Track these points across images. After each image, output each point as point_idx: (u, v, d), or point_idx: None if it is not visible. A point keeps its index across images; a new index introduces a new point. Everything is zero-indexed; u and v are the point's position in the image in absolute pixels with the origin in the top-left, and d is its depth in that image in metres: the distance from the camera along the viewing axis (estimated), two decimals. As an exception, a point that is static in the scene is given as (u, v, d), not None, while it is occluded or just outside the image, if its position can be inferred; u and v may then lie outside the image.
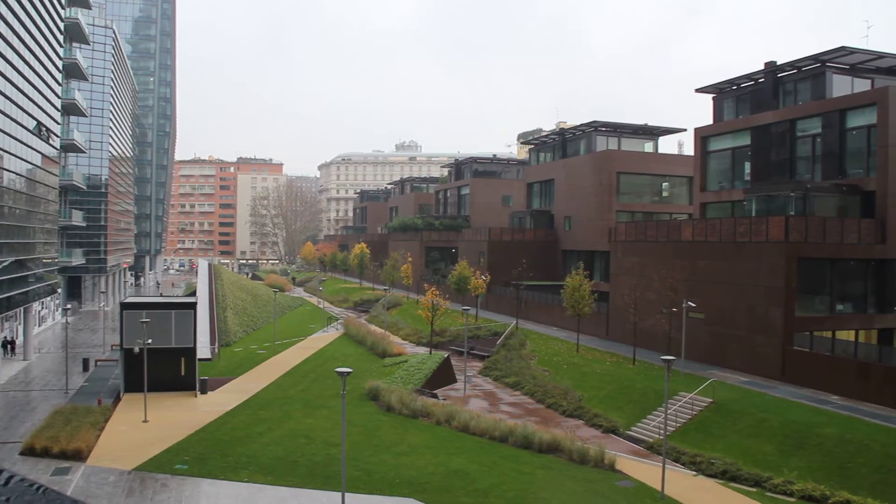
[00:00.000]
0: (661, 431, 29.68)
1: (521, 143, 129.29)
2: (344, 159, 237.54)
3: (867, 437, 29.50)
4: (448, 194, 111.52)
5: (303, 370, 51.17)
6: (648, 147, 75.56)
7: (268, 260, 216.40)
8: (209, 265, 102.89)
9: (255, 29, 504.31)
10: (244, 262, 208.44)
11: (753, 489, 27.93)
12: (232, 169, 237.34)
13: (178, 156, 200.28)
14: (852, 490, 26.39)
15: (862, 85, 47.69)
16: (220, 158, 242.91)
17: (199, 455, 31.16)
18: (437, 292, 57.28)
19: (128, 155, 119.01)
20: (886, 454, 28.01)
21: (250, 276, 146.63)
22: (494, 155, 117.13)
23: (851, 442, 29.42)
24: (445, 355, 50.76)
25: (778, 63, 50.53)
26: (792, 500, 26.69)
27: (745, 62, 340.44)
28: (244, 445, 32.57)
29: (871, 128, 43.24)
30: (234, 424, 36.37)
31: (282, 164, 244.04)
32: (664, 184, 72.63)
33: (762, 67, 51.82)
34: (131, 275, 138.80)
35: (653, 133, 75.42)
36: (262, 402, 41.33)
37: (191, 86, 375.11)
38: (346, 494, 23.99)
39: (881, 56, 46.67)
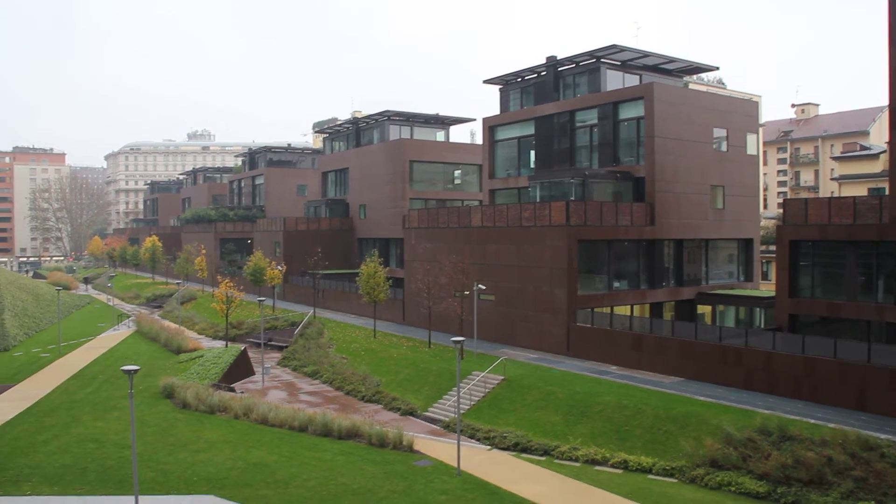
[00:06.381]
0: (456, 410, 30.55)
1: (316, 132, 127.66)
2: (133, 149, 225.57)
3: (640, 402, 32.14)
4: (242, 184, 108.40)
5: (92, 371, 47.85)
6: (440, 136, 77.47)
7: (52, 257, 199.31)
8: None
9: (35, 4, 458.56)
10: (25, 259, 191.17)
11: (543, 458, 29.49)
12: (7, 159, 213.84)
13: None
14: (628, 450, 28.77)
15: (632, 80, 51.70)
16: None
17: (-25, 471, 28.10)
18: (232, 284, 55.43)
19: None
20: (656, 416, 30.66)
21: (31, 274, 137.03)
22: (289, 144, 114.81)
23: (627, 407, 31.90)
24: (242, 348, 49.24)
25: (558, 58, 53.51)
26: (577, 464, 28.48)
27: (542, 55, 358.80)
28: (26, 456, 30.00)
29: (640, 119, 47.05)
30: (14, 434, 33.31)
31: (64, 154, 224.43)
32: (456, 172, 74.75)
33: (545, 61, 54.66)
34: None
35: (444, 122, 77.40)
36: (46, 409, 38.21)
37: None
38: (141, 497, 22.87)
39: (647, 55, 50.83)
